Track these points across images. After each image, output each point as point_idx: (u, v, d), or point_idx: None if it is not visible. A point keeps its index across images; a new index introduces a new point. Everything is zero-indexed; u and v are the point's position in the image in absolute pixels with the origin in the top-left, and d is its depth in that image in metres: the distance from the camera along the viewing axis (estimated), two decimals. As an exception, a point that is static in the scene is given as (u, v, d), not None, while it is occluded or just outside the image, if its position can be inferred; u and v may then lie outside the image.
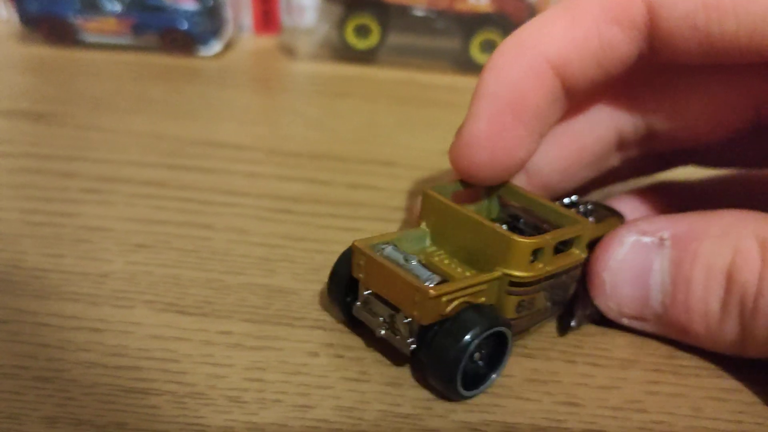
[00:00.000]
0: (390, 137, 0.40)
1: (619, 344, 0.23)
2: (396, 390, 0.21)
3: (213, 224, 0.29)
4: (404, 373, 0.22)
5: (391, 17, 0.51)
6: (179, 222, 0.29)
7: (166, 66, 0.49)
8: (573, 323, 0.23)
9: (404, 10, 0.51)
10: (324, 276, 0.26)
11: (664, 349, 0.23)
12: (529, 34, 0.22)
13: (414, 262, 0.21)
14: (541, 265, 0.21)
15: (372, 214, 0.31)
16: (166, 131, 0.38)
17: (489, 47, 0.51)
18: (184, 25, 0.50)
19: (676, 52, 0.21)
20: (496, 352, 0.21)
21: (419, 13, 0.51)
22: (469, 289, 0.20)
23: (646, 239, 0.22)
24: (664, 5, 0.20)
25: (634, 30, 0.21)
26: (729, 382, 0.22)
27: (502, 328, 0.20)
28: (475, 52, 0.51)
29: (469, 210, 0.22)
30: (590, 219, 0.24)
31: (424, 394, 0.21)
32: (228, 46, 0.53)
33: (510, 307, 0.21)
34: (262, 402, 0.20)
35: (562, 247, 0.22)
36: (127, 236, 0.28)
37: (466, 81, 0.50)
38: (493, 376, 0.21)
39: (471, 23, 0.51)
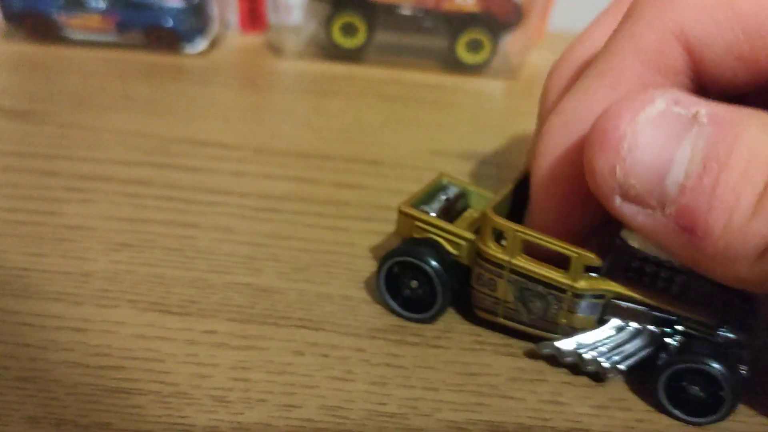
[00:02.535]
0: (376, 136, 0.40)
1: (603, 343, 0.24)
2: (381, 389, 0.21)
3: (198, 223, 0.29)
4: (390, 372, 0.22)
5: (377, 16, 0.51)
6: (163, 221, 0.29)
7: (151, 64, 0.49)
8: (547, 350, 0.22)
9: (391, 9, 0.51)
10: (310, 275, 0.26)
11: (648, 348, 0.24)
12: (573, 110, 0.21)
13: (443, 197, 0.25)
14: (501, 251, 0.22)
15: (358, 213, 0.31)
16: (150, 129, 0.38)
17: (475, 47, 0.51)
18: (169, 23, 0.50)
19: (725, 83, 0.20)
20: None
21: (406, 11, 0.51)
22: (439, 230, 0.23)
23: (679, 109, 0.19)
24: (703, 43, 0.19)
25: (678, 75, 0.20)
26: (712, 380, 0.22)
27: (427, 266, 0.23)
28: (462, 52, 0.51)
29: (508, 189, 0.24)
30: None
31: (410, 393, 0.21)
32: (214, 44, 0.53)
33: (473, 275, 0.23)
34: (247, 401, 0.20)
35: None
36: (110, 235, 0.28)
37: (452, 80, 0.50)
38: (403, 311, 0.24)
39: (457, 22, 0.51)
